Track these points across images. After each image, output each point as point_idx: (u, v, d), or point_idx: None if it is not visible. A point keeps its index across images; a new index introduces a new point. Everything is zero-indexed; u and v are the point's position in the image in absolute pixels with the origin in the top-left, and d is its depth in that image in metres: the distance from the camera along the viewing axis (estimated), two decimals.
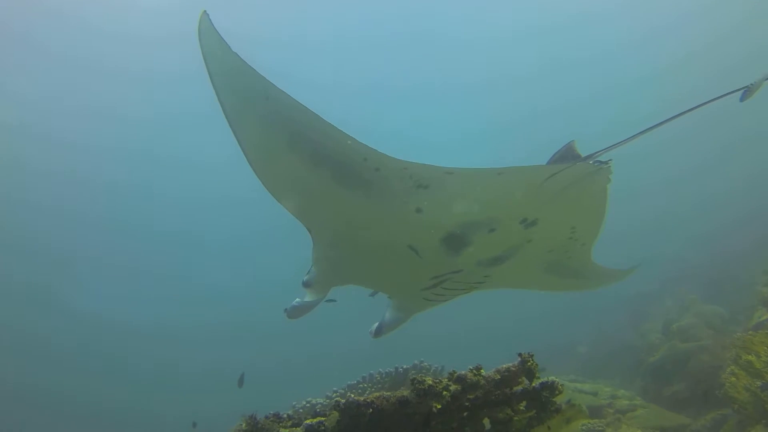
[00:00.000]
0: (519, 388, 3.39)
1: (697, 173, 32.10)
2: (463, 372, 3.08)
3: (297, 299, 4.92)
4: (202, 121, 33.70)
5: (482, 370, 3.12)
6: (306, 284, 4.86)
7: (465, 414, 3.56)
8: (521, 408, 3.48)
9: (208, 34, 3.37)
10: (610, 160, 3.93)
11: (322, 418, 3.33)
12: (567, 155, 4.16)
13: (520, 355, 3.20)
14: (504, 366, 3.19)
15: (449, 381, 3.03)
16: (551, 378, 3.42)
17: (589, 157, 3.99)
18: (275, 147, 3.76)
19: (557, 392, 3.47)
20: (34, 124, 30.37)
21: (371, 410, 3.09)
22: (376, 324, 5.46)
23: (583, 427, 6.75)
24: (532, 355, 3.18)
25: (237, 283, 34.26)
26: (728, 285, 13.23)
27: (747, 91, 5.23)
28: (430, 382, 2.94)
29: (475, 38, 35.22)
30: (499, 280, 5.02)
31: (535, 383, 3.25)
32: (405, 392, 3.04)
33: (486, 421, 3.80)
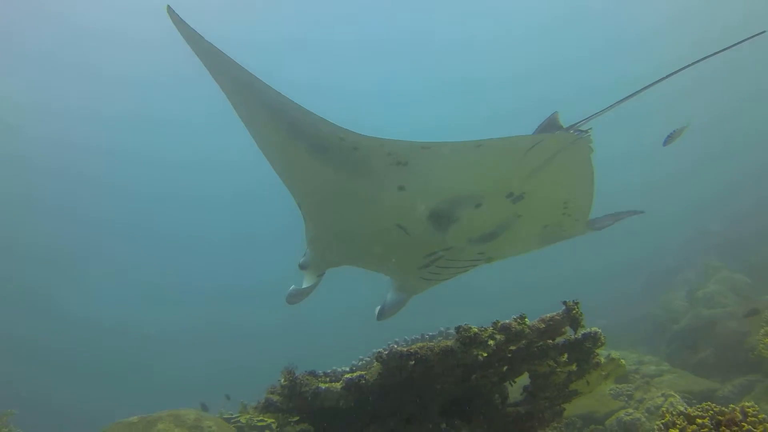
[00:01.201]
0: (561, 339, 3.34)
1: (713, 126, 31.46)
2: (507, 321, 3.02)
3: (293, 286, 4.99)
4: (202, 122, 33.76)
5: (526, 319, 3.06)
6: (302, 266, 4.94)
7: (505, 368, 3.52)
8: (563, 360, 3.43)
9: (183, 28, 3.44)
10: (589, 129, 3.87)
11: (362, 372, 3.30)
12: (549, 127, 4.13)
13: (564, 303, 3.13)
14: (548, 315, 3.12)
15: (494, 330, 2.97)
16: (594, 329, 3.36)
17: (570, 127, 3.96)
18: (260, 121, 3.89)
19: (600, 344, 3.41)
20: (34, 125, 30.33)
21: (414, 361, 3.05)
22: (379, 307, 5.53)
23: (611, 392, 6.70)
24: (577, 303, 3.12)
25: (236, 282, 34.00)
26: (749, 253, 13.02)
27: (669, 138, 5.16)
28: (476, 330, 2.88)
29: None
30: (495, 255, 4.97)
31: (579, 333, 3.18)
32: (449, 342, 2.98)
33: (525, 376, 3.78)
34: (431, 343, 2.95)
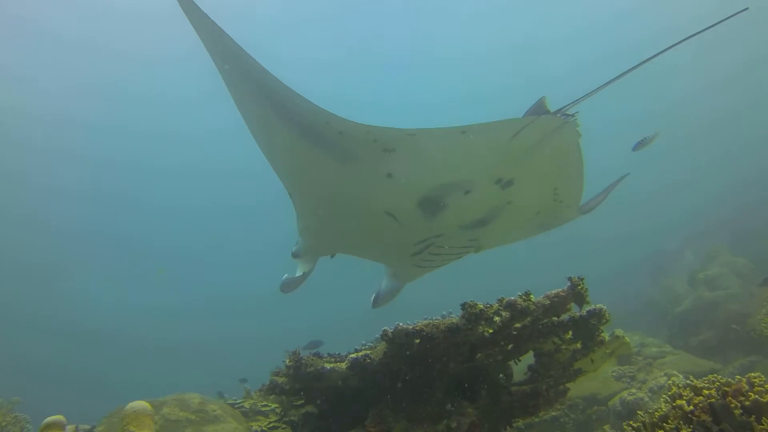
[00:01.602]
0: (566, 316, 3.33)
1: (717, 127, 31.35)
2: (512, 298, 3.02)
3: (286, 274, 5.04)
4: (201, 130, 33.54)
5: (532, 296, 3.05)
6: (295, 255, 5.00)
7: (510, 347, 3.52)
8: (568, 337, 3.43)
9: (190, 7, 3.46)
10: (576, 113, 3.88)
11: (368, 351, 3.30)
12: (537, 112, 4.10)
13: (569, 279, 3.12)
14: (553, 291, 3.12)
15: (500, 306, 2.96)
16: (598, 305, 3.36)
17: (557, 111, 3.93)
18: (250, 101, 3.91)
19: (604, 320, 3.41)
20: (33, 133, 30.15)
21: (419, 339, 3.05)
22: (374, 294, 5.62)
23: (614, 373, 6.73)
24: (582, 279, 3.10)
25: (236, 292, 33.81)
26: (753, 238, 12.99)
27: (639, 144, 5.18)
28: (482, 307, 2.87)
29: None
30: (488, 242, 4.98)
31: (585, 309, 3.17)
32: (454, 319, 2.98)
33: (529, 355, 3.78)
34: (437, 321, 2.95)
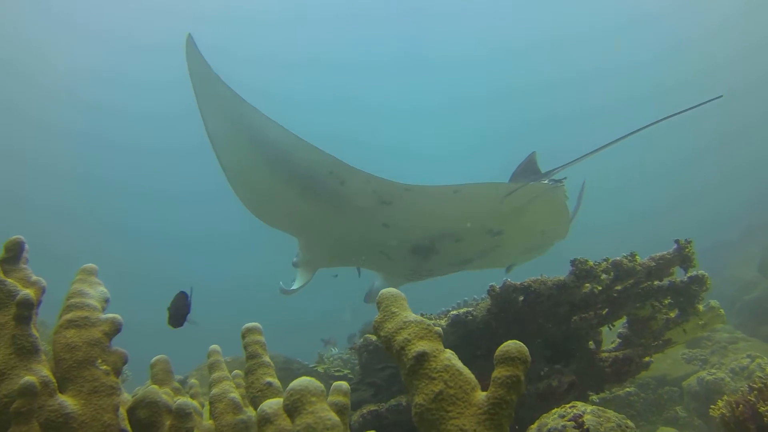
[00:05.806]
0: (666, 280, 3.33)
1: None
2: (618, 258, 3.04)
3: (281, 282, 5.40)
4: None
5: (638, 257, 3.07)
6: (295, 265, 5.39)
7: (606, 311, 3.55)
8: (666, 302, 3.43)
9: (193, 58, 3.72)
10: (564, 178, 4.05)
11: (469, 308, 3.39)
12: (528, 169, 4.36)
13: (677, 241, 3.11)
14: (659, 254, 3.12)
15: (607, 265, 3.00)
16: (700, 271, 3.34)
17: (546, 174, 4.13)
18: (250, 161, 4.11)
19: (705, 288, 3.39)
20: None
21: (523, 296, 3.12)
22: (367, 290, 5.95)
23: (684, 356, 6.60)
24: (690, 241, 3.10)
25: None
26: None
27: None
28: (592, 264, 2.92)
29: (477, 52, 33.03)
30: (477, 268, 5.37)
31: (690, 273, 3.16)
32: (561, 277, 3.03)
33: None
34: (544, 277, 3.02)
